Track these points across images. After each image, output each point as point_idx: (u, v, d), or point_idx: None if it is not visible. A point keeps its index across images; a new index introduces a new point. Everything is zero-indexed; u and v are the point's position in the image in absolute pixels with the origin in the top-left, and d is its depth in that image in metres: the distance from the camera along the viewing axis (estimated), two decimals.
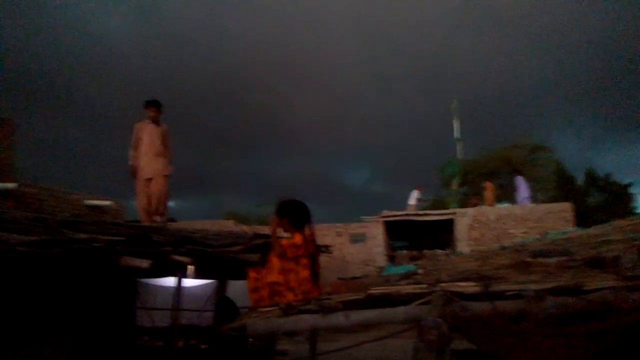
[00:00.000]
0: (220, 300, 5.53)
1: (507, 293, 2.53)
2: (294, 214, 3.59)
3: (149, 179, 6.69)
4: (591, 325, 2.67)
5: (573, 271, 3.01)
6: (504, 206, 15.58)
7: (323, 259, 9.52)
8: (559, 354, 2.85)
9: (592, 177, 23.18)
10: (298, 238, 3.41)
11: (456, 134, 17.61)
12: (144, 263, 3.24)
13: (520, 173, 17.10)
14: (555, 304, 2.40)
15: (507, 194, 18.09)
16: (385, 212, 15.01)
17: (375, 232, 14.94)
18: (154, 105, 6.91)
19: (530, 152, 23.63)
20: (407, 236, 17.54)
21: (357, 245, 15.19)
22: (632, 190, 22.75)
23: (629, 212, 20.85)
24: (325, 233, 14.82)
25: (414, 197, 16.73)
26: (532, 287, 2.50)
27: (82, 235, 3.46)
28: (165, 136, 6.93)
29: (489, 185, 16.78)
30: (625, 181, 23.03)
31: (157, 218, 6.60)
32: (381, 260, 14.11)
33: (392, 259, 14.91)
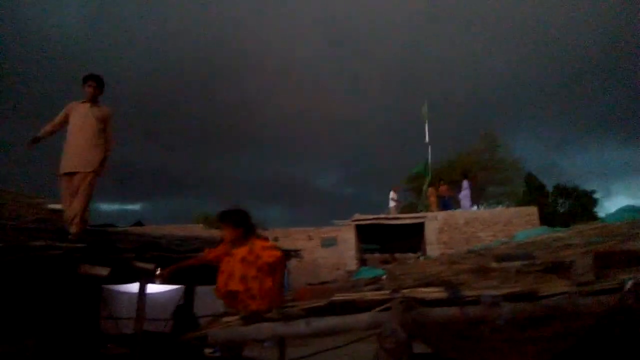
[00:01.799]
0: (177, 309, 5.35)
1: (466, 299, 2.58)
2: (248, 221, 3.54)
3: (71, 174, 5.05)
4: (546, 330, 2.75)
5: (531, 276, 3.09)
6: (473, 210, 15.94)
7: (294, 263, 9.49)
8: (516, 358, 2.92)
9: (560, 188, 24.08)
10: (260, 246, 3.37)
11: (427, 137, 17.87)
12: (104, 271, 3.17)
13: (466, 177, 17.55)
14: (511, 309, 2.46)
15: (474, 196, 18.52)
16: (357, 216, 15.10)
17: (347, 236, 15.01)
18: (92, 79, 5.49)
19: (494, 151, 24.30)
20: (378, 239, 17.68)
21: (328, 249, 15.21)
22: (596, 195, 23.69)
23: (592, 216, 21.67)
24: (296, 237, 14.82)
25: (393, 198, 16.90)
26: (490, 293, 2.55)
27: (39, 243, 3.35)
28: (106, 122, 5.45)
29: (431, 191, 17.20)
30: (590, 186, 24.02)
31: (72, 229, 4.59)
32: (352, 264, 14.19)
33: (363, 262, 15.00)
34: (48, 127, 5.38)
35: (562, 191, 23.99)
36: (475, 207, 17.10)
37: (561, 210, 22.91)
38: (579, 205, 22.93)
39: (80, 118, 5.31)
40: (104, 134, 5.40)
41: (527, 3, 36.86)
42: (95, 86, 5.48)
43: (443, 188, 17.03)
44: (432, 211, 16.22)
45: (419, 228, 15.14)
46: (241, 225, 3.48)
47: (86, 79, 5.51)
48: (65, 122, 5.39)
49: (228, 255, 3.39)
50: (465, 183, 16.85)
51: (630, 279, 2.49)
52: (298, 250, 7.87)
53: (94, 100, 5.48)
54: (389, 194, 17.22)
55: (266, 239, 3.58)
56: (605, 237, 4.16)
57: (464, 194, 16.49)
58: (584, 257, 2.96)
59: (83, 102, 5.47)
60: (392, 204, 16.79)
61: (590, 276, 2.70)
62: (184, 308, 5.54)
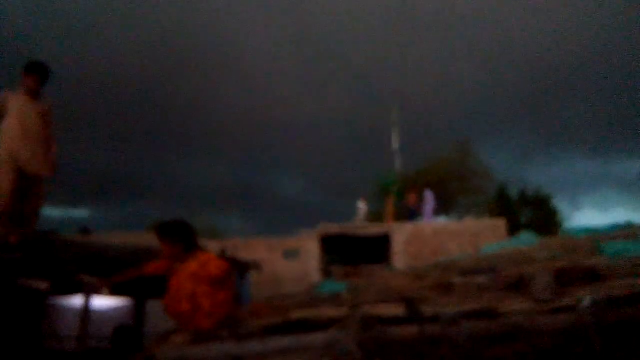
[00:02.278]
0: (118, 330, 4.96)
1: (426, 317, 2.51)
2: (190, 235, 3.28)
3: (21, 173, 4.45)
4: (507, 349, 2.70)
5: (492, 293, 3.06)
6: (441, 221, 16.07)
7: (254, 275, 9.26)
8: None
9: (524, 195, 24.58)
10: (206, 258, 3.17)
11: (394, 144, 17.95)
12: (43, 285, 2.93)
13: (429, 187, 17.72)
14: (471, 327, 2.39)
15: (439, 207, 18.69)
16: (322, 225, 14.93)
17: (311, 247, 14.79)
18: (34, 71, 4.67)
19: (464, 162, 24.66)
20: (343, 251, 17.57)
21: (290, 261, 14.94)
22: (554, 203, 24.19)
23: (554, 224, 22.32)
24: (256, 247, 14.35)
25: (361, 208, 16.80)
26: (450, 311, 2.48)
27: None
28: (47, 117, 4.80)
29: (388, 201, 17.30)
30: (559, 198, 24.67)
31: (12, 238, 3.81)
32: (316, 276, 13.97)
33: (328, 274, 14.84)
34: None
35: (525, 200, 24.46)
36: (442, 218, 17.22)
37: (523, 220, 23.31)
38: (541, 214, 23.40)
39: (20, 113, 4.58)
40: (47, 132, 4.76)
41: (499, 13, 37.81)
42: (37, 79, 4.69)
43: (412, 197, 17.06)
44: (388, 221, 16.20)
45: (386, 239, 15.14)
46: (181, 241, 3.20)
47: (28, 70, 4.66)
48: (3, 117, 4.61)
49: (170, 270, 3.18)
50: (429, 195, 16.82)
51: (587, 297, 2.48)
52: (258, 262, 7.67)
53: (34, 95, 4.72)
54: (356, 203, 17.17)
55: (208, 252, 3.36)
56: (568, 252, 4.21)
57: (428, 208, 16.46)
58: (543, 274, 2.94)
59: (21, 93, 4.66)
60: (360, 213, 16.74)
61: (550, 294, 2.68)
62: (126, 328, 5.14)
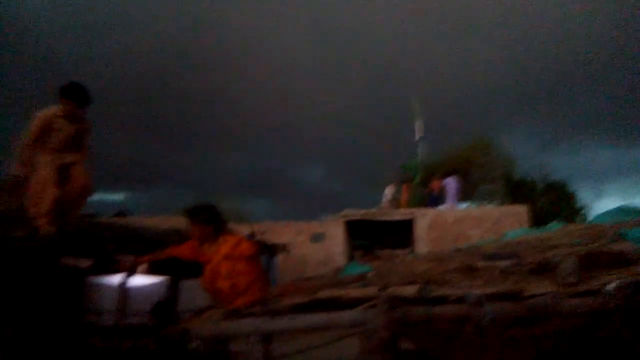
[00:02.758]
0: (157, 306, 5.16)
1: (451, 298, 2.58)
2: (217, 218, 3.42)
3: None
4: (530, 331, 2.75)
5: (516, 277, 3.10)
6: (463, 207, 15.96)
7: (281, 258, 9.44)
8: (501, 356, 2.92)
9: (541, 180, 24.11)
10: (236, 240, 3.31)
11: (418, 134, 17.85)
12: (85, 263, 3.11)
13: (455, 173, 17.52)
14: (495, 309, 2.45)
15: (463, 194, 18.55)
16: (346, 211, 15.07)
17: (336, 232, 14.97)
18: (69, 97, 4.50)
19: (486, 154, 24.35)
20: (367, 235, 17.67)
21: (316, 245, 15.20)
22: (571, 188, 23.63)
23: (574, 211, 21.88)
24: (283, 231, 14.70)
25: (388, 194, 16.77)
26: (475, 292, 2.55)
27: (20, 233, 3.28)
28: (84, 135, 4.71)
29: (404, 188, 17.17)
30: (581, 186, 24.03)
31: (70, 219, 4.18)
32: (340, 259, 14.16)
33: (351, 258, 15.01)
34: (28, 152, 4.34)
35: (546, 187, 24.01)
36: (464, 205, 17.09)
37: (541, 205, 22.83)
38: (561, 201, 22.91)
39: (61, 134, 4.47)
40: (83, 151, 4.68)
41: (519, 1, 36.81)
42: (75, 106, 4.53)
43: (435, 184, 16.99)
44: (404, 207, 16.18)
45: (409, 225, 15.17)
46: (211, 222, 3.36)
47: (64, 95, 4.51)
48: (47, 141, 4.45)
49: (197, 252, 3.34)
50: (453, 181, 16.72)
51: (612, 281, 2.50)
52: (285, 245, 7.84)
53: (73, 117, 4.57)
54: (383, 189, 17.18)
55: (236, 234, 3.52)
56: (591, 238, 4.19)
57: (452, 194, 16.41)
58: (569, 259, 2.97)
59: (60, 116, 4.51)
60: (387, 197, 16.67)
61: (575, 278, 2.70)
62: (164, 305, 5.41)
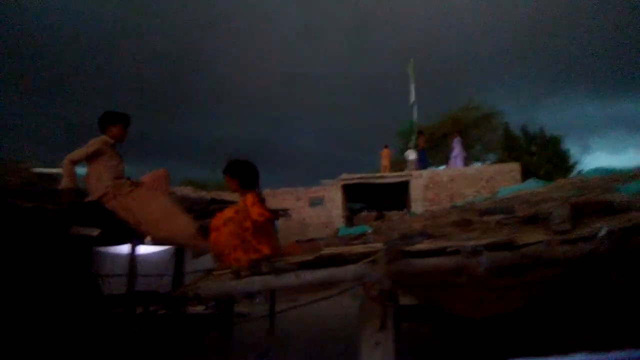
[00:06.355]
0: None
1: (448, 249, 2.70)
2: (246, 174, 3.52)
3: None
4: (524, 278, 2.89)
5: (510, 228, 3.22)
6: (457, 167, 16.13)
7: (282, 222, 9.61)
8: (494, 303, 3.07)
9: (527, 134, 24.01)
10: (251, 201, 3.37)
11: (412, 97, 17.79)
12: (94, 231, 3.21)
13: (459, 134, 17.60)
14: (490, 258, 2.57)
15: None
16: (344, 175, 15.22)
17: (334, 195, 15.19)
18: (118, 120, 4.39)
19: (480, 115, 24.35)
20: (365, 198, 17.89)
21: (316, 209, 15.41)
22: (563, 144, 23.65)
23: (566, 167, 22.05)
24: (284, 197, 14.96)
25: (411, 156, 16.78)
26: (470, 243, 2.66)
27: (30, 205, 3.36)
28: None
29: (384, 152, 17.25)
30: (568, 141, 24.03)
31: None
32: (339, 222, 14.43)
33: (350, 221, 15.24)
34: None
35: (531, 138, 23.89)
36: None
37: (533, 159, 22.85)
38: (550, 155, 22.90)
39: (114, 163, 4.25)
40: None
41: None
42: (123, 127, 4.43)
43: (420, 140, 17.08)
44: (384, 171, 16.38)
45: (405, 186, 15.35)
46: (236, 176, 3.49)
47: (112, 120, 4.35)
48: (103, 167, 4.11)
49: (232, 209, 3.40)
50: (456, 142, 16.79)
51: (604, 226, 2.61)
52: (286, 210, 7.99)
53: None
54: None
55: (260, 194, 3.55)
56: (583, 191, 4.30)
57: (455, 154, 16.48)
58: (561, 208, 3.08)
59: (111, 145, 4.30)
60: (411, 157, 16.74)
61: (567, 225, 2.81)
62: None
